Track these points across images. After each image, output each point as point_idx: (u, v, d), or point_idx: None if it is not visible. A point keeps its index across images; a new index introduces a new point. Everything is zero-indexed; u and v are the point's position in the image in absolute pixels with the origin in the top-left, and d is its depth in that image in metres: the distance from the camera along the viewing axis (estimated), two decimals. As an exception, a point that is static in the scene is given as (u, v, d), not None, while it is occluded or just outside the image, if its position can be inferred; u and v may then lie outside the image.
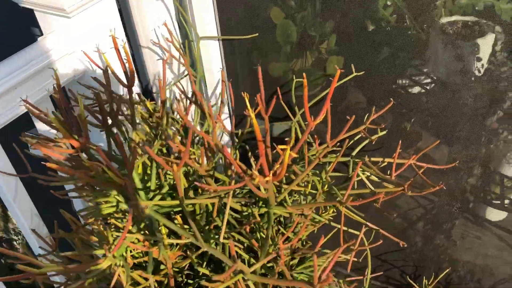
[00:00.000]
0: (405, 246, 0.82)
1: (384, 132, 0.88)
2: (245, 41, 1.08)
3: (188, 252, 0.73)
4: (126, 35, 1.02)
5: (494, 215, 1.33)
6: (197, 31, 1.03)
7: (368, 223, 0.88)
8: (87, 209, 0.69)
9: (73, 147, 0.62)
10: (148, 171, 0.73)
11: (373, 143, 0.88)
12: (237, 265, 0.57)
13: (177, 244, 0.76)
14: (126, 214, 0.74)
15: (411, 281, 1.27)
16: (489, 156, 1.10)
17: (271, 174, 0.61)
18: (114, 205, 0.71)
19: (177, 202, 0.66)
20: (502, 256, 1.30)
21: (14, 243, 2.77)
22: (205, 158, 0.76)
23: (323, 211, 0.84)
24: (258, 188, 0.62)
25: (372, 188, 0.75)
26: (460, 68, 0.93)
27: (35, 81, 0.87)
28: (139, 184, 0.70)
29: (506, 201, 1.23)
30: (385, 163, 0.86)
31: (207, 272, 0.76)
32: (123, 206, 0.72)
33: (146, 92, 1.12)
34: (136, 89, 1.07)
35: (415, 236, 1.31)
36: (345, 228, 0.91)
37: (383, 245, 0.85)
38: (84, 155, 0.63)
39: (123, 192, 0.70)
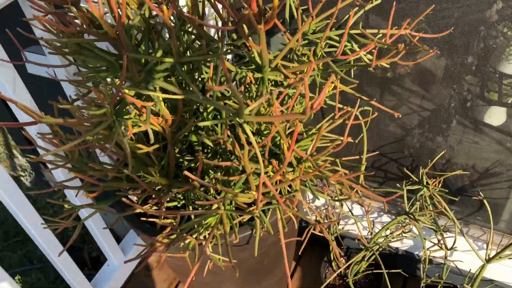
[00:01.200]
0: (400, 116, 0.84)
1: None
2: None
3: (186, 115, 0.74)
4: None
5: (494, 119, 1.34)
6: None
7: (362, 96, 0.89)
8: (82, 74, 0.70)
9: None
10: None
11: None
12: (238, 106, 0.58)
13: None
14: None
15: (408, 172, 1.30)
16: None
17: (262, 22, 0.61)
18: (107, 68, 0.71)
19: (171, 60, 0.67)
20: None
21: (22, 179, 2.83)
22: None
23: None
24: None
25: (370, 40, 0.74)
26: None
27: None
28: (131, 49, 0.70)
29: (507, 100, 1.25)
30: (380, 35, 0.86)
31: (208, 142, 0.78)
32: (117, 72, 0.72)
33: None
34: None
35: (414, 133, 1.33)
36: (340, 105, 0.93)
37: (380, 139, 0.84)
38: (74, 9, 0.62)
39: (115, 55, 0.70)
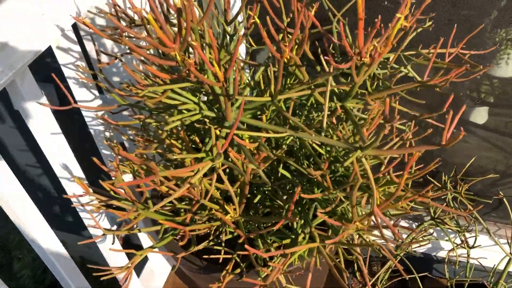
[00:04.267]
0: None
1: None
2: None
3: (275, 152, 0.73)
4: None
5: (479, 117, 1.43)
6: None
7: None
8: (172, 117, 0.67)
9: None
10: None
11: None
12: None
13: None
14: (205, 125, 0.73)
15: (430, 178, 1.35)
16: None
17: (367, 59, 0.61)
18: (198, 113, 0.69)
19: (268, 98, 0.66)
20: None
21: None
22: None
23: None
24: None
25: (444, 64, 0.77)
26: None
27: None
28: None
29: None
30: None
31: (287, 174, 0.77)
32: (206, 113, 0.70)
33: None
34: None
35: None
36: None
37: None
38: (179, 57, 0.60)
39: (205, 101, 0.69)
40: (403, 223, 1.52)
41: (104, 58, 0.96)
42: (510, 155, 1.39)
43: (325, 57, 0.56)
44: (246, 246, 0.67)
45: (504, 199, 1.27)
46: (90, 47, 0.98)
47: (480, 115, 1.43)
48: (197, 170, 0.64)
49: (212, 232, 0.95)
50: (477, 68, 0.77)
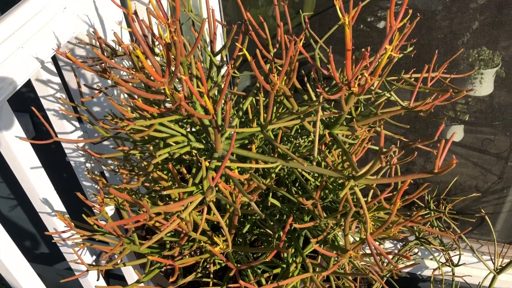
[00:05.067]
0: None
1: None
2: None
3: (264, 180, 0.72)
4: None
5: (456, 135, 1.46)
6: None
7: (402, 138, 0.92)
8: (159, 150, 0.66)
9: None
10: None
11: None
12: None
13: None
14: (193, 155, 0.71)
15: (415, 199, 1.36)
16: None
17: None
18: (187, 145, 0.68)
19: (257, 129, 0.65)
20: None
21: None
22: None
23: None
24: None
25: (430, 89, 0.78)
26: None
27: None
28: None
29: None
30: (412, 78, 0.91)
31: (277, 203, 0.76)
32: (195, 144, 0.69)
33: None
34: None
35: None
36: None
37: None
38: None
39: (193, 132, 0.68)
40: (387, 243, 1.52)
41: (85, 88, 0.95)
42: (487, 171, 1.42)
43: (317, 89, 0.56)
44: (239, 280, 0.65)
45: (486, 217, 1.29)
46: (69, 77, 0.96)
47: (456, 133, 1.46)
48: (187, 205, 0.62)
49: (201, 264, 0.93)
50: (460, 93, 0.78)
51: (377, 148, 0.81)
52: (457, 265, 1.33)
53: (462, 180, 1.43)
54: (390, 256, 1.39)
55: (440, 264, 1.34)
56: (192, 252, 0.97)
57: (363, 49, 0.60)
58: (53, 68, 0.87)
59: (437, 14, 1.16)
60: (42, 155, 0.91)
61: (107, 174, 1.23)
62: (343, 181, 0.77)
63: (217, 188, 0.70)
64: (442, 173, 0.54)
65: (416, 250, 1.41)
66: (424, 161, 1.46)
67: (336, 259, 0.72)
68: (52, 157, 1.30)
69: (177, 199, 0.70)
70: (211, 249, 0.72)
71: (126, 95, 0.91)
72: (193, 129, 0.82)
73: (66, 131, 0.97)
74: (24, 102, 1.46)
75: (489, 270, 1.27)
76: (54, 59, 0.89)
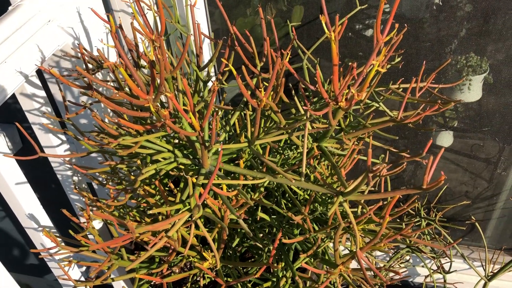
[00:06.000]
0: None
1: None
2: None
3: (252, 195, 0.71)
4: None
5: (445, 141, 1.46)
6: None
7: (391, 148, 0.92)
8: (146, 167, 0.65)
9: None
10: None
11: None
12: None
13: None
14: (180, 171, 0.70)
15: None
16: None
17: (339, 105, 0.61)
18: (173, 161, 0.67)
19: (245, 144, 0.64)
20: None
21: None
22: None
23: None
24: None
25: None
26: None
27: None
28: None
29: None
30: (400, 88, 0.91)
31: (266, 217, 0.75)
32: (182, 160, 0.68)
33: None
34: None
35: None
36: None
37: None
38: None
39: (180, 147, 0.67)
40: (378, 252, 1.52)
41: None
42: (477, 177, 1.42)
43: (304, 107, 0.56)
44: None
45: (477, 224, 1.29)
46: (55, 89, 0.95)
47: (445, 139, 1.47)
48: (174, 222, 0.61)
49: (190, 278, 0.92)
50: (448, 104, 0.78)
51: (366, 158, 0.81)
52: (448, 272, 1.33)
53: (452, 186, 1.43)
54: (382, 273, 1.39)
55: (432, 271, 1.34)
56: (183, 265, 0.96)
57: (350, 63, 0.60)
58: (37, 81, 0.86)
59: (424, 22, 1.17)
60: (29, 165, 0.89)
61: (95, 186, 1.21)
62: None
63: (205, 203, 0.69)
64: (430, 189, 0.54)
65: (407, 258, 1.41)
66: (414, 167, 1.46)
67: (326, 275, 0.71)
68: (39, 167, 1.28)
69: (164, 216, 0.69)
70: (200, 266, 0.71)
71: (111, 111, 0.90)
72: (181, 142, 0.81)
73: (52, 144, 0.96)
74: (11, 113, 1.44)
75: (480, 277, 1.27)
76: (39, 71, 0.88)
